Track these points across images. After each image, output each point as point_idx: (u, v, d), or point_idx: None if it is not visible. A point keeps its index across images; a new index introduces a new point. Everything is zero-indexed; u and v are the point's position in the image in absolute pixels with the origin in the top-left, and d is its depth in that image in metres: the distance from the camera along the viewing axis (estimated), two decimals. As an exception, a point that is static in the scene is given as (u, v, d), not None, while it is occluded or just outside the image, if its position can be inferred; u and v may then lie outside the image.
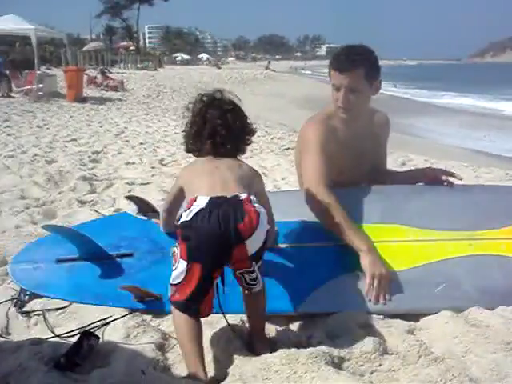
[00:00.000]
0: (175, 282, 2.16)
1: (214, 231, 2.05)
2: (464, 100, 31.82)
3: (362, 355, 2.17)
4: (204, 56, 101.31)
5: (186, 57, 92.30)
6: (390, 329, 2.43)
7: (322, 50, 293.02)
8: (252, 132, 2.44)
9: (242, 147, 2.42)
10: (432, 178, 3.13)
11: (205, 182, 2.22)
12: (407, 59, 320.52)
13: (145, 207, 3.09)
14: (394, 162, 8.09)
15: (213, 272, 2.14)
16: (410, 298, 2.60)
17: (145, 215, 3.03)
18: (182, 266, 2.13)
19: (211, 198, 2.12)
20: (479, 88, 40.25)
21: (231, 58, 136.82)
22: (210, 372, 2.13)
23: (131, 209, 3.14)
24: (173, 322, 2.26)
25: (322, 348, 2.15)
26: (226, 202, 2.11)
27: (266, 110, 20.64)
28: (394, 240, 2.78)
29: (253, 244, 2.11)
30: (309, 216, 2.80)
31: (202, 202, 2.11)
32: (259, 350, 2.24)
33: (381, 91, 3.08)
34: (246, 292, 2.28)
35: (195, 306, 2.14)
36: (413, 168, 5.61)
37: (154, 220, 2.91)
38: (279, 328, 2.49)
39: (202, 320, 2.32)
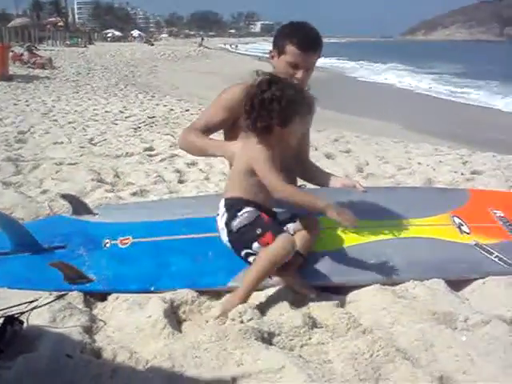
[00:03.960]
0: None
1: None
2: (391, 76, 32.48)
3: (291, 330, 2.17)
4: (136, 32, 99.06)
5: (117, 33, 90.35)
6: (319, 303, 2.45)
7: (257, 27, 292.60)
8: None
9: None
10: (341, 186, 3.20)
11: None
12: (340, 37, 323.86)
13: (80, 207, 3.13)
14: (326, 139, 8.21)
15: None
16: (347, 271, 2.67)
17: (79, 216, 3.07)
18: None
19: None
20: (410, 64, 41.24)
21: (164, 35, 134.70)
22: (138, 354, 2.09)
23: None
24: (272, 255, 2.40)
25: (252, 324, 2.15)
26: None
27: (200, 88, 20.49)
28: (337, 226, 2.83)
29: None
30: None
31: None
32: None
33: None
34: None
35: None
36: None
37: None
38: (211, 304, 2.48)
39: (131, 300, 2.31)
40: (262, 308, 2.38)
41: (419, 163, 6.47)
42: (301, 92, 2.55)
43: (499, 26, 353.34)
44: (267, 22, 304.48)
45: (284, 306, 2.40)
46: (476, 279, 2.72)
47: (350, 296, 2.58)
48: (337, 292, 2.61)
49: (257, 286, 2.45)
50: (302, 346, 2.14)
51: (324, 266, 2.66)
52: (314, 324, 2.25)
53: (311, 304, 2.45)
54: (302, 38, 2.92)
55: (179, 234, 2.81)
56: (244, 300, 2.39)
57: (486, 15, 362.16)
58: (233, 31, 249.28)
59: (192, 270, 2.63)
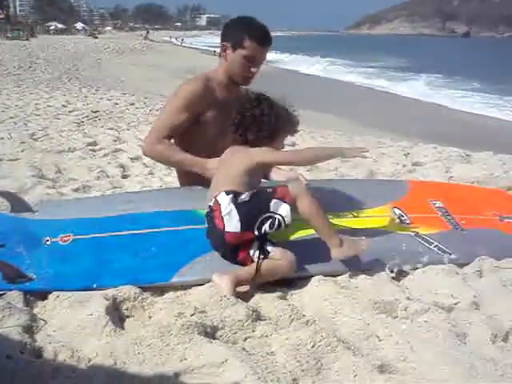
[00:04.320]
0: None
1: (210, 235, 2.68)
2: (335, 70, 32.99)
3: (234, 323, 2.17)
4: (80, 25, 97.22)
5: (61, 26, 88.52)
6: (262, 295, 2.46)
7: (203, 21, 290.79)
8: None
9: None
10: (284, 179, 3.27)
11: (216, 177, 2.75)
12: (286, 30, 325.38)
13: (18, 205, 3.05)
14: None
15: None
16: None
17: (18, 213, 2.98)
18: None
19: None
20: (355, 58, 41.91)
21: (108, 28, 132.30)
22: (80, 352, 2.06)
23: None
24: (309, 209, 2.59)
25: (194, 319, 2.14)
26: (207, 215, 2.67)
27: (145, 81, 20.29)
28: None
29: (232, 225, 2.52)
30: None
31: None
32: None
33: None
34: None
35: None
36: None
37: None
38: (154, 300, 2.46)
39: (72, 298, 2.34)
40: (205, 303, 2.36)
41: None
42: (287, 110, 2.81)
43: (441, 21, 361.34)
44: (213, 16, 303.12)
45: (227, 299, 2.39)
46: (416, 268, 2.79)
47: (294, 288, 2.61)
48: (280, 284, 2.63)
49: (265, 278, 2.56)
50: (245, 339, 2.14)
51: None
52: (257, 317, 2.25)
53: (255, 297, 2.46)
54: (261, 33, 3.05)
55: (121, 230, 2.78)
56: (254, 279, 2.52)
57: (428, 10, 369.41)
58: (179, 24, 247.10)
59: (135, 267, 2.60)
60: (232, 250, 2.60)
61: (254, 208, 2.53)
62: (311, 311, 2.38)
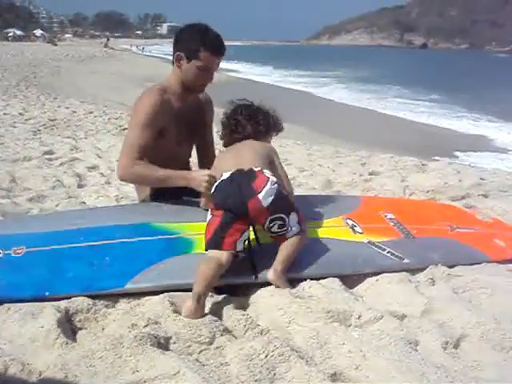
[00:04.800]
0: (207, 223, 2.69)
1: (233, 190, 2.64)
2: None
3: (189, 334, 2.17)
4: (39, 32, 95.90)
5: (19, 32, 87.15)
6: (218, 305, 2.46)
7: (164, 29, 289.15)
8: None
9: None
10: None
11: (228, 163, 2.83)
12: (246, 40, 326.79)
13: None
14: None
15: (232, 221, 2.61)
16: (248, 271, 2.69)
17: None
18: (209, 216, 2.70)
19: (232, 173, 2.71)
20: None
21: (68, 35, 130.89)
22: (31, 366, 2.02)
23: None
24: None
25: (147, 330, 2.12)
26: (243, 173, 2.70)
27: (105, 90, 20.12)
28: None
29: (265, 197, 2.60)
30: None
31: (225, 176, 2.73)
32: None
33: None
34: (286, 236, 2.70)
35: (218, 239, 2.58)
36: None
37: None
38: (108, 311, 2.43)
39: (24, 310, 2.32)
40: (159, 314, 2.35)
41: (320, 165, 6.63)
42: (274, 111, 3.17)
43: (399, 33, 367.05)
44: (174, 24, 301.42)
45: (180, 309, 2.38)
46: (370, 276, 2.82)
47: (249, 297, 2.61)
48: (235, 293, 2.63)
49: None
50: (199, 351, 2.14)
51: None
52: (212, 327, 2.25)
53: (210, 307, 2.45)
54: (214, 42, 3.07)
55: (76, 243, 2.75)
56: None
57: (386, 22, 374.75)
58: (139, 32, 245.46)
59: (88, 275, 2.58)
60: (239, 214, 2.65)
61: (285, 203, 2.70)
62: (266, 321, 2.39)
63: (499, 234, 3.48)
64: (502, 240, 3.37)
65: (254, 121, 3.05)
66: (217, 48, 3.07)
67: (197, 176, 2.90)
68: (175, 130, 3.15)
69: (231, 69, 39.62)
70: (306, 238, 2.78)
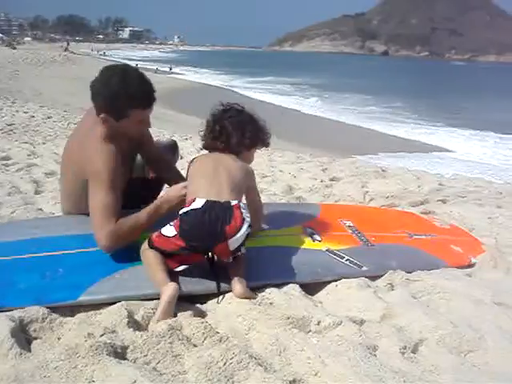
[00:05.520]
0: (163, 233, 2.60)
1: (204, 226, 2.50)
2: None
3: (146, 343, 2.13)
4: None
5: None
6: (176, 313, 2.43)
7: (125, 33, 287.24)
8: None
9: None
10: None
11: (203, 185, 2.66)
12: (209, 45, 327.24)
13: None
14: (192, 146, 8.23)
15: (190, 253, 2.59)
16: (207, 280, 2.68)
17: None
18: (173, 232, 2.56)
19: (207, 201, 2.55)
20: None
21: (27, 38, 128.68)
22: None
23: None
24: (141, 257, 2.66)
25: (104, 339, 2.08)
26: (219, 206, 2.54)
27: (65, 94, 19.88)
28: None
29: (234, 243, 2.54)
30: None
31: (199, 203, 2.54)
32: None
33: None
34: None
35: (167, 256, 2.61)
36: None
37: None
38: (64, 321, 2.38)
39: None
40: (116, 323, 2.31)
41: (281, 171, 6.64)
42: (264, 122, 3.02)
43: (361, 40, 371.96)
44: (136, 29, 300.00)
45: (138, 318, 2.36)
46: (330, 282, 2.83)
47: (208, 305, 2.59)
48: (195, 301, 2.61)
49: None
50: (158, 361, 2.10)
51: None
52: (170, 335, 2.22)
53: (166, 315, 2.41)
54: (143, 97, 2.78)
55: (27, 254, 2.69)
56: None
57: (348, 29, 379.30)
58: (101, 37, 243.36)
59: (41, 287, 2.52)
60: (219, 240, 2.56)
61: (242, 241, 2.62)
62: (225, 328, 2.37)
63: (456, 240, 3.54)
64: (459, 246, 3.43)
65: (241, 131, 2.88)
66: (145, 102, 2.79)
67: (176, 195, 2.78)
68: (124, 173, 2.91)
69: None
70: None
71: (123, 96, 2.70)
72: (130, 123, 2.79)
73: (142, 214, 2.74)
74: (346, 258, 2.99)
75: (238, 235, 2.53)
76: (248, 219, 2.58)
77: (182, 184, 2.82)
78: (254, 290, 2.67)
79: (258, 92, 32.25)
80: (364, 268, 2.96)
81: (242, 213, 2.56)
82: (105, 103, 2.74)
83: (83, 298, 2.48)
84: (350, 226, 3.37)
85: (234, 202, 2.58)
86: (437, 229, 3.73)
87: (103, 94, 2.74)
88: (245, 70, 51.48)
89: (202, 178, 2.72)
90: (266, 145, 3.05)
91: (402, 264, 3.09)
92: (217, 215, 2.51)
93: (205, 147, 2.99)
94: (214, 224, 2.50)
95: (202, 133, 2.97)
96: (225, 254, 2.59)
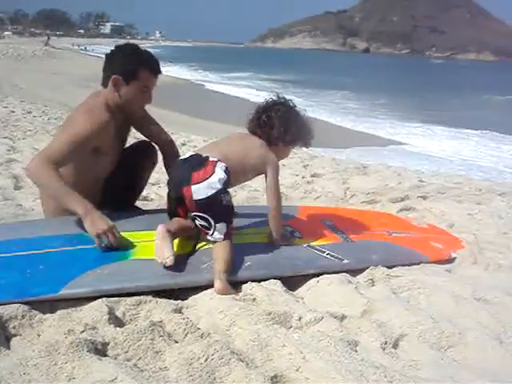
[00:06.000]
0: None
1: (178, 172, 2.79)
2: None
3: (123, 339, 2.11)
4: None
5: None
6: (157, 309, 2.42)
7: (107, 28, 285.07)
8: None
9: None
10: None
11: (207, 146, 3.02)
12: (191, 41, 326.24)
13: None
14: (176, 141, 8.18)
15: (176, 206, 2.83)
16: (185, 274, 2.69)
17: None
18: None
19: (192, 154, 2.83)
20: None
21: (7, 33, 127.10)
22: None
23: None
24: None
25: (84, 336, 2.07)
26: (197, 157, 2.78)
27: (45, 89, 19.70)
28: None
29: (198, 192, 2.67)
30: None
31: (187, 155, 2.85)
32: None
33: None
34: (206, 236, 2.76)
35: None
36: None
37: None
38: (44, 317, 2.36)
39: None
40: (97, 319, 2.30)
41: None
42: (309, 122, 3.11)
43: (343, 37, 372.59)
44: (117, 24, 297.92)
45: (118, 315, 2.34)
46: (311, 278, 2.84)
47: (189, 300, 2.59)
48: (175, 297, 2.60)
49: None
50: (138, 357, 2.09)
51: (161, 269, 2.65)
52: (151, 331, 2.21)
53: (147, 312, 2.42)
54: (153, 62, 3.05)
55: (8, 253, 2.66)
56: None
57: (330, 26, 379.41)
58: (82, 31, 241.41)
59: (21, 282, 2.49)
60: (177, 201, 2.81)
61: (218, 209, 2.72)
62: (206, 324, 2.37)
63: (436, 237, 3.58)
64: (438, 243, 3.47)
65: (285, 127, 2.98)
66: (155, 67, 3.05)
67: (94, 223, 2.71)
68: (112, 151, 3.10)
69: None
70: (232, 249, 2.74)
71: (135, 57, 3.00)
72: (136, 88, 2.99)
73: (62, 189, 2.76)
74: (327, 252, 3.02)
75: (202, 185, 2.67)
76: (221, 178, 2.69)
77: (106, 225, 2.70)
78: (235, 285, 2.68)
79: (235, 87, 32.07)
80: (345, 261, 2.98)
81: (214, 168, 2.71)
82: (116, 61, 3.01)
83: (64, 291, 2.46)
84: (329, 225, 3.40)
85: (212, 158, 2.75)
86: (415, 228, 3.78)
87: (117, 55, 3.03)
88: (222, 66, 51.25)
89: (218, 142, 3.09)
90: (307, 146, 3.18)
91: (383, 258, 3.11)
92: (191, 164, 2.75)
93: (248, 130, 3.11)
94: (186, 170, 2.73)
95: (250, 116, 3.10)
96: (190, 203, 2.71)
